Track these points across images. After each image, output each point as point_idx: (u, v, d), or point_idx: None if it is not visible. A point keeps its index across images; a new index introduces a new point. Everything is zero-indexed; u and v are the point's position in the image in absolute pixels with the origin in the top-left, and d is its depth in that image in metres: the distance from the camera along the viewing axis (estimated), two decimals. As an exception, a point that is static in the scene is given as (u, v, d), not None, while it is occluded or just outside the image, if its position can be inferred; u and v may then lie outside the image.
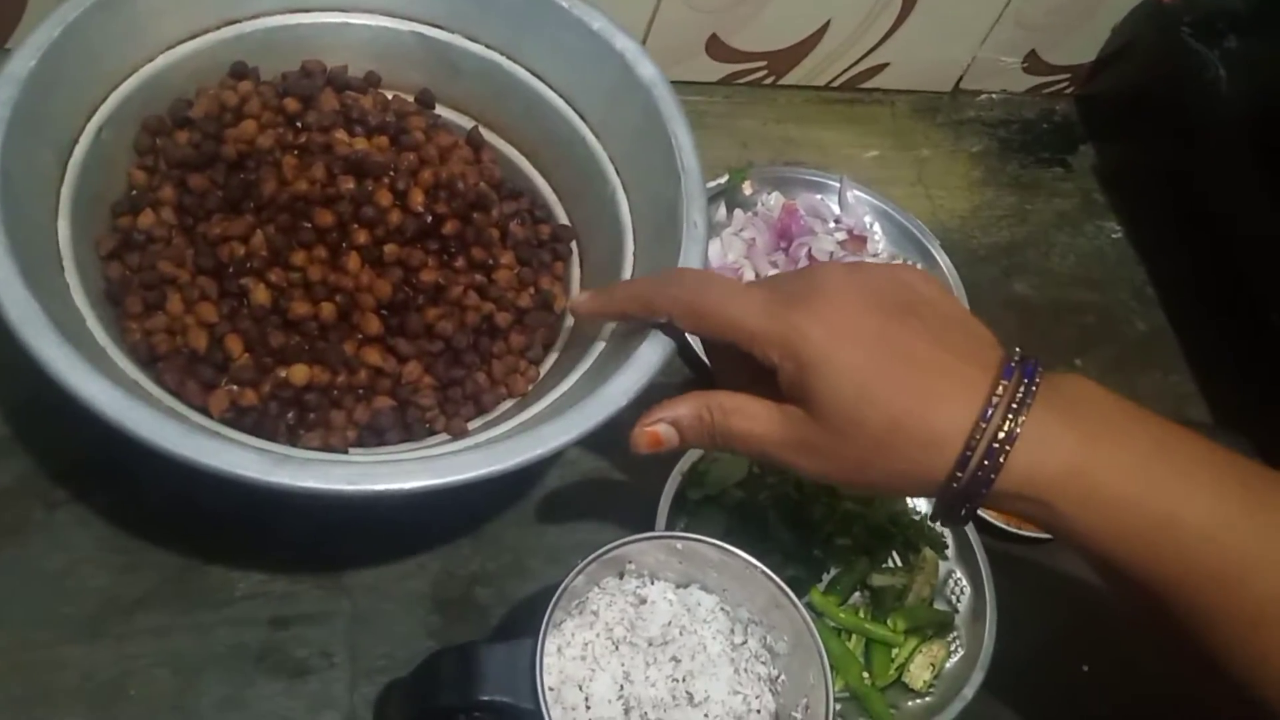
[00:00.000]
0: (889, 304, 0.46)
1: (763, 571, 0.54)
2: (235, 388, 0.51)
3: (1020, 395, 0.43)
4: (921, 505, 0.71)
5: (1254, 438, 0.79)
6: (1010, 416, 0.42)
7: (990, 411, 0.43)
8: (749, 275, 0.77)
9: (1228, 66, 0.83)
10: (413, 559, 0.62)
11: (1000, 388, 0.43)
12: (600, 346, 0.55)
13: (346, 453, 0.52)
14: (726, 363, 0.53)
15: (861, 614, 0.67)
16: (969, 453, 0.43)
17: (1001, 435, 0.42)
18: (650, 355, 0.51)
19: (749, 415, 0.47)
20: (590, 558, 0.52)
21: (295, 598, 0.60)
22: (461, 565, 0.63)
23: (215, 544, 0.60)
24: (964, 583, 0.69)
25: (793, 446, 0.46)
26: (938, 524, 0.64)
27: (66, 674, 0.55)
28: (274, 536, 0.60)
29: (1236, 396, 0.84)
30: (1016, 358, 0.45)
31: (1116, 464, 0.43)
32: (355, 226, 0.55)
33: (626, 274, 0.58)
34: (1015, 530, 0.71)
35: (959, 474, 0.43)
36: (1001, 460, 0.42)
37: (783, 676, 0.55)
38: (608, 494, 0.68)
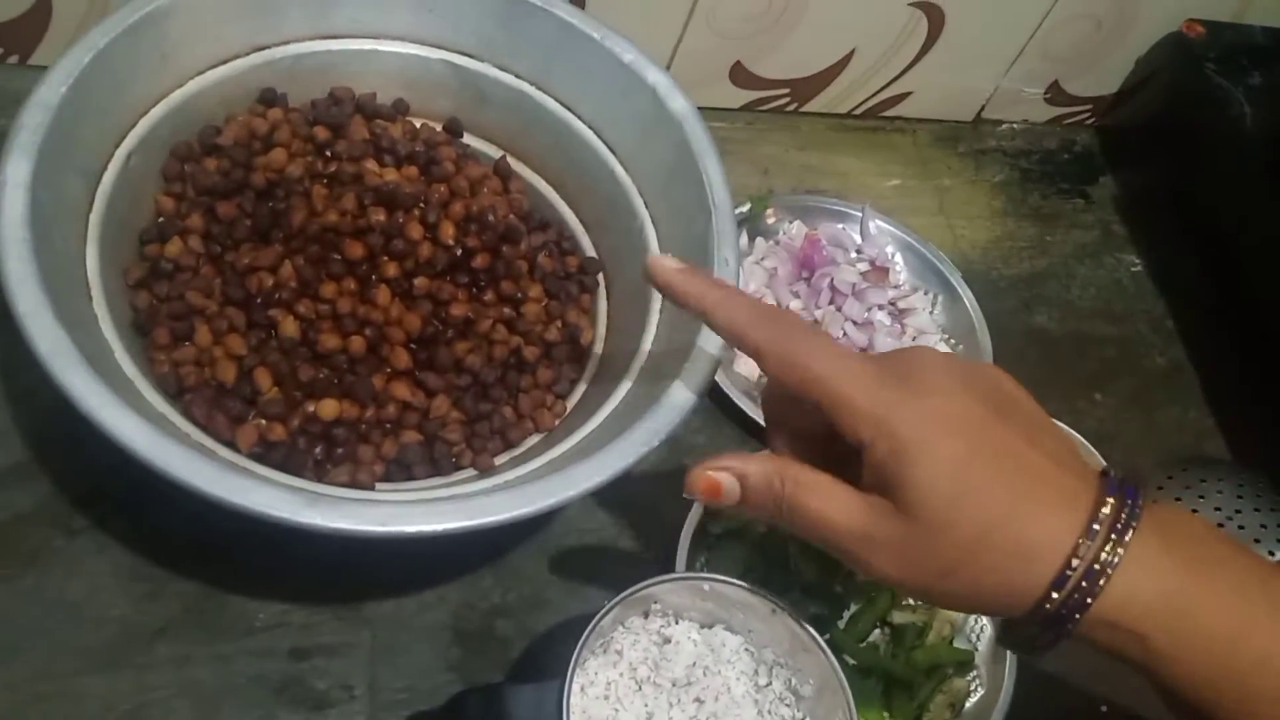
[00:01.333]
0: (988, 396, 0.43)
1: (790, 616, 0.54)
2: (264, 422, 0.51)
3: (1125, 516, 0.40)
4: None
5: (1272, 474, 0.79)
6: (1115, 538, 0.40)
7: (1095, 528, 0.40)
8: (770, 304, 0.77)
9: (1251, 102, 0.83)
10: (433, 590, 0.62)
11: (1106, 505, 0.41)
12: (628, 385, 0.54)
13: (373, 488, 0.52)
14: (789, 431, 0.48)
15: (882, 651, 0.66)
16: (1068, 572, 0.40)
17: (1104, 556, 0.40)
18: (682, 397, 0.50)
19: (825, 496, 0.43)
20: (618, 598, 0.52)
21: (315, 628, 0.59)
22: (482, 597, 0.63)
23: (236, 573, 0.59)
24: (984, 621, 0.68)
25: (868, 541, 0.42)
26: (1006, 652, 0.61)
27: (86, 705, 0.54)
28: (295, 566, 0.60)
29: (1255, 432, 0.83)
30: (1117, 475, 0.43)
31: (1215, 596, 0.40)
32: (385, 259, 0.55)
33: (655, 310, 0.57)
34: (1036, 568, 0.70)
35: (1054, 594, 0.40)
36: (1102, 584, 0.40)
37: (807, 719, 0.55)
38: (628, 526, 0.68)
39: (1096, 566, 0.40)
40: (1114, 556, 0.40)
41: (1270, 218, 0.82)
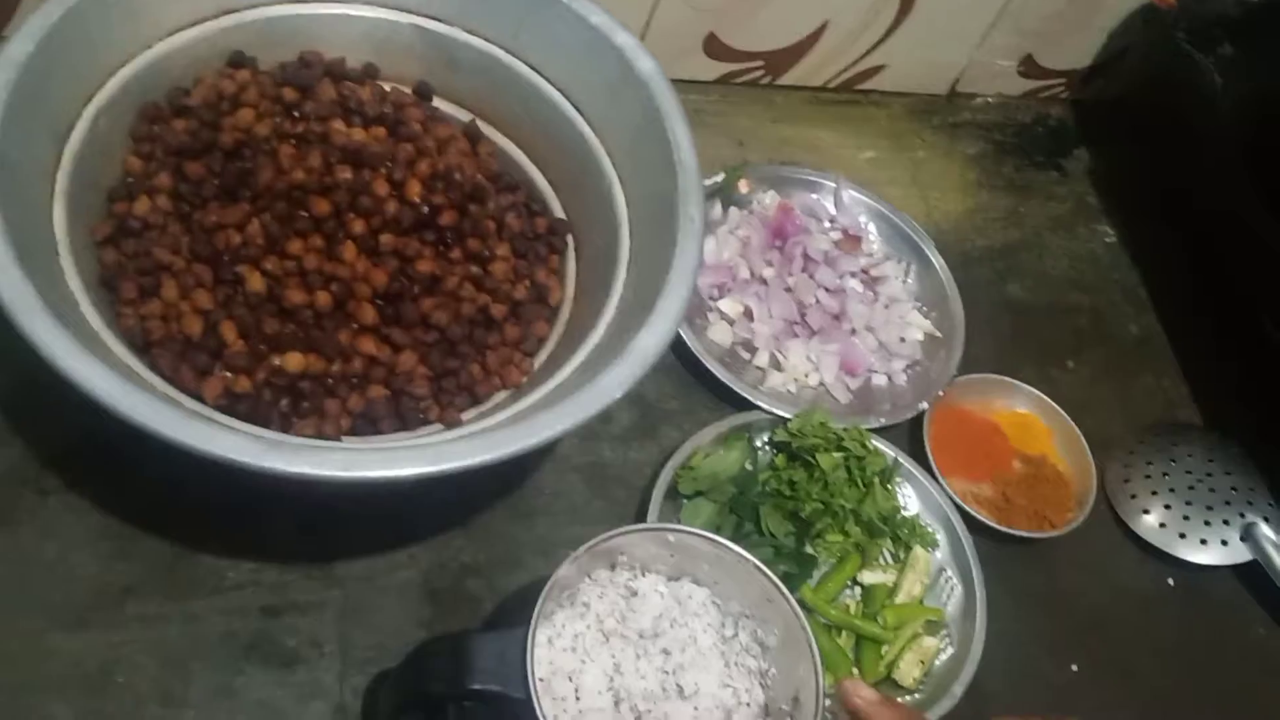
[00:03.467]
0: None
1: (755, 565, 0.54)
2: (229, 375, 0.51)
3: None
4: (912, 505, 0.71)
5: (1243, 439, 0.80)
6: None
7: None
8: (743, 273, 0.78)
9: (1223, 72, 0.83)
10: (404, 550, 0.62)
11: None
12: (594, 341, 0.55)
13: (340, 441, 0.52)
14: None
15: (852, 611, 0.67)
16: None
17: None
18: (647, 346, 0.51)
19: None
20: (582, 549, 0.52)
21: (286, 587, 0.60)
22: (453, 556, 0.63)
23: (206, 532, 0.59)
24: (955, 581, 0.69)
25: None
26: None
27: (55, 662, 0.55)
28: (266, 525, 0.60)
29: (1226, 399, 0.84)
30: None
31: None
32: (352, 216, 0.55)
33: (622, 270, 0.58)
34: (1007, 530, 0.71)
35: None
36: None
37: (773, 670, 0.55)
38: (600, 487, 0.68)
39: None
40: None
41: (1239, 186, 0.83)
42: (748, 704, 0.54)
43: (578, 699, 0.52)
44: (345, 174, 0.55)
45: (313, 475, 0.44)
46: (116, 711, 0.54)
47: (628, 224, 0.59)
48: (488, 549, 0.64)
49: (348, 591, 0.60)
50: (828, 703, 0.63)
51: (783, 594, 0.54)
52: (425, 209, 0.56)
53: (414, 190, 0.56)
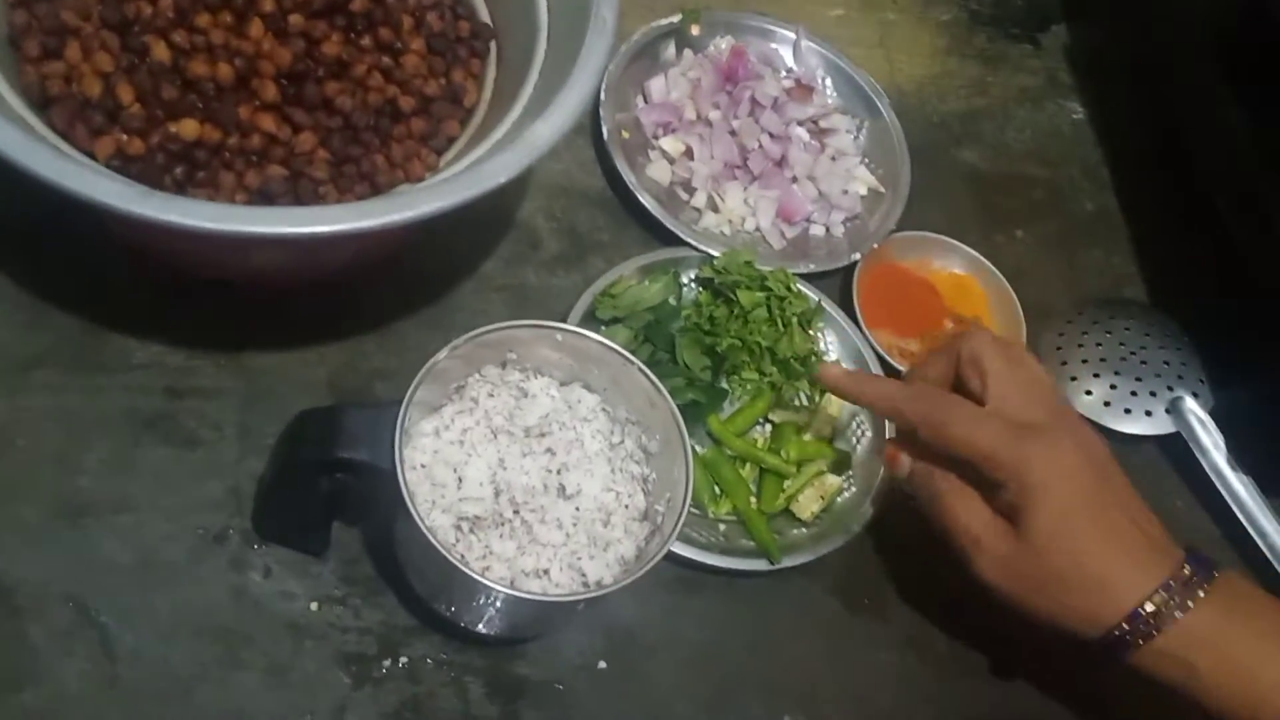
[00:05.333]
0: (1100, 462, 0.56)
1: (638, 367, 0.54)
2: (124, 136, 0.51)
3: (1198, 580, 0.53)
4: (833, 351, 0.71)
5: (1185, 320, 0.79)
6: (1186, 593, 0.52)
7: (1171, 584, 0.52)
8: (690, 114, 0.77)
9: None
10: (315, 349, 0.63)
11: (1185, 568, 0.53)
12: (498, 135, 0.55)
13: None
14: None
15: (760, 445, 0.67)
16: (1141, 610, 0.52)
17: (1174, 603, 0.52)
18: (538, 135, 0.50)
19: (965, 502, 0.56)
20: (465, 336, 0.53)
21: (192, 371, 0.61)
22: (364, 360, 0.64)
23: (117, 312, 0.60)
24: (866, 426, 0.69)
25: (978, 545, 0.55)
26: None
27: (-46, 419, 0.56)
28: (177, 311, 0.61)
29: (1173, 278, 0.83)
30: (1200, 552, 0.55)
31: (1249, 636, 0.53)
32: (263, -6, 0.55)
33: (535, 74, 0.57)
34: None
35: (1124, 625, 0.52)
36: (1167, 624, 0.52)
37: (653, 475, 0.56)
38: (520, 308, 0.69)
39: (1165, 611, 0.52)
40: (1183, 607, 0.52)
41: (1206, 67, 0.81)
42: (627, 507, 0.55)
43: (459, 488, 0.53)
44: (259, -48, 0.55)
45: (179, 224, 0.44)
46: (13, 471, 0.56)
47: (546, 29, 0.58)
48: (400, 356, 0.64)
49: (253, 381, 0.61)
50: (722, 528, 0.64)
51: (664, 398, 0.54)
52: (337, -7, 0.56)
53: (328, -28, 0.55)
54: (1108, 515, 0.54)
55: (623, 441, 0.57)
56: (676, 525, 0.52)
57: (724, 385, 0.68)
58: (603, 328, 0.67)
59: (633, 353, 0.66)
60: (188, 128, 0.51)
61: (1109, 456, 0.57)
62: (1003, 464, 0.54)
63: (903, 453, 0.59)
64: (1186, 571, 0.53)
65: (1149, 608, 0.52)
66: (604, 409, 0.57)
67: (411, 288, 0.67)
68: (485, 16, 0.63)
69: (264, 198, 0.53)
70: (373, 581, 0.58)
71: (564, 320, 0.67)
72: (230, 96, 0.53)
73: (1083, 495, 0.54)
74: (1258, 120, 0.77)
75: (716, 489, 0.65)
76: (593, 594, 0.50)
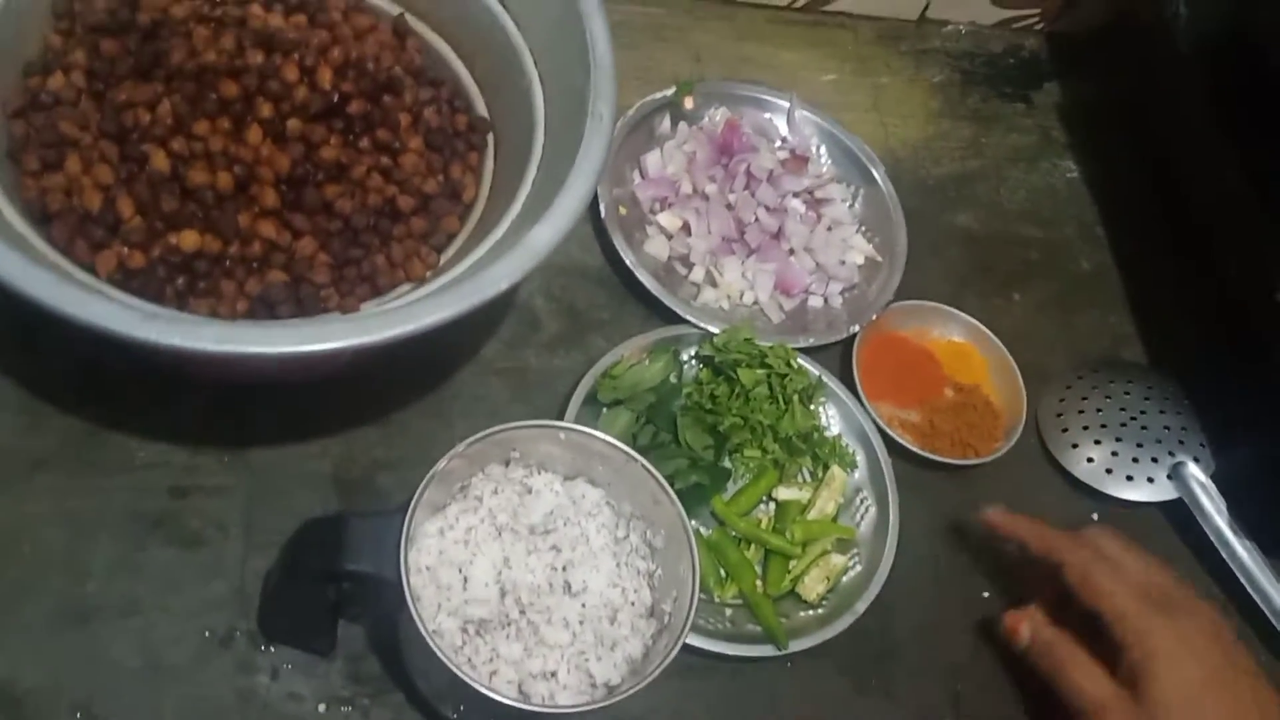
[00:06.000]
0: (1226, 642, 0.59)
1: (643, 465, 0.54)
2: (125, 249, 0.51)
3: None
4: (834, 426, 0.71)
5: (1184, 381, 0.79)
6: None
7: None
8: (686, 188, 0.77)
9: (1188, 2, 0.81)
10: (317, 441, 0.63)
11: None
12: (498, 235, 0.55)
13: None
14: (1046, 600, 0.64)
15: (764, 525, 0.67)
16: None
17: None
18: (539, 239, 0.51)
19: (1085, 671, 0.59)
20: (471, 439, 0.53)
21: (195, 470, 0.61)
22: (365, 451, 0.64)
23: (119, 412, 0.60)
24: (870, 502, 0.69)
25: (1104, 712, 0.57)
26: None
27: (-40, 527, 0.56)
28: (179, 409, 0.61)
29: (1172, 338, 0.83)
30: None
31: None
32: (260, 100, 0.55)
33: (533, 169, 0.58)
34: (928, 454, 0.71)
35: None
36: None
37: (659, 571, 0.56)
38: (522, 392, 0.69)
39: None
40: None
41: (1202, 121, 0.81)
42: (634, 604, 0.55)
43: (465, 589, 0.53)
44: (256, 58, 0.55)
45: (184, 348, 0.44)
46: (20, 577, 0.56)
47: (543, 122, 0.59)
48: (402, 446, 0.65)
49: (256, 478, 0.61)
50: (729, 612, 0.64)
51: (669, 495, 0.54)
52: (335, 96, 0.56)
53: (325, 77, 0.56)
54: (1232, 694, 0.57)
55: (628, 536, 0.56)
56: (685, 625, 0.52)
57: (727, 464, 0.68)
58: (605, 410, 0.67)
59: (635, 435, 0.67)
60: (188, 239, 0.52)
61: (1233, 637, 0.60)
62: (1132, 627, 0.57)
63: (1023, 624, 0.62)
64: None
65: None
66: (608, 503, 0.57)
67: (411, 374, 0.67)
68: (482, 109, 0.63)
69: (265, 304, 0.53)
70: (380, 680, 0.58)
71: (566, 403, 0.67)
72: (230, 204, 0.53)
73: (1207, 672, 0.57)
74: (1256, 171, 0.77)
75: (722, 572, 0.65)
76: (601, 703, 0.50)
